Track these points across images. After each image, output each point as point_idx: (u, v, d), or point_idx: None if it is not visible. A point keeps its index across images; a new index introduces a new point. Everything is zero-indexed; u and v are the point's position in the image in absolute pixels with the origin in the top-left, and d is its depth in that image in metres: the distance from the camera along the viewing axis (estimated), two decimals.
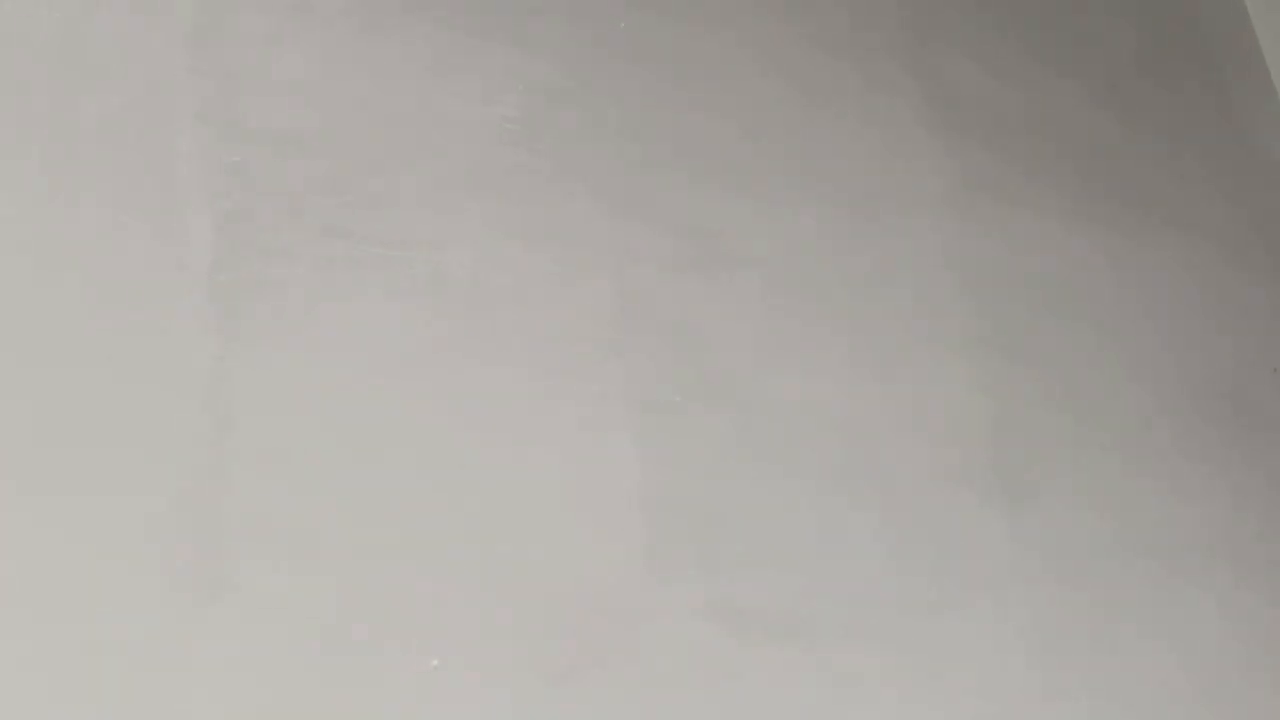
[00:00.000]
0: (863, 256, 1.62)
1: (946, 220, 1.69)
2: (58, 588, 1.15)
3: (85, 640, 1.13)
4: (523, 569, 1.31)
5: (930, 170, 1.72)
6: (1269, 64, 2.06)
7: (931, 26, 1.84)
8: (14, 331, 1.19)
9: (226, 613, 1.18)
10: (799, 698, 1.37)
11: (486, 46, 1.53)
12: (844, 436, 1.51)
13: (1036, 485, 1.59)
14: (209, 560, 1.20)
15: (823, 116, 1.69)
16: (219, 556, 1.20)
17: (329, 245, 1.35)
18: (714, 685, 1.34)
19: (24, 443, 1.16)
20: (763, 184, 1.61)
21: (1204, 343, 1.79)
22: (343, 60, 1.43)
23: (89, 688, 1.13)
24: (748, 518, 1.43)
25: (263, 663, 1.19)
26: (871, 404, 1.54)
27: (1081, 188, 1.81)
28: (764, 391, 1.50)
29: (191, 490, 1.21)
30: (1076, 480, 1.61)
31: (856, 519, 1.47)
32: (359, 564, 1.25)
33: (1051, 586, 1.53)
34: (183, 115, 1.33)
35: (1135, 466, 1.66)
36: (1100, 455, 1.64)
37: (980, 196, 1.73)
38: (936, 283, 1.65)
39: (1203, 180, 1.91)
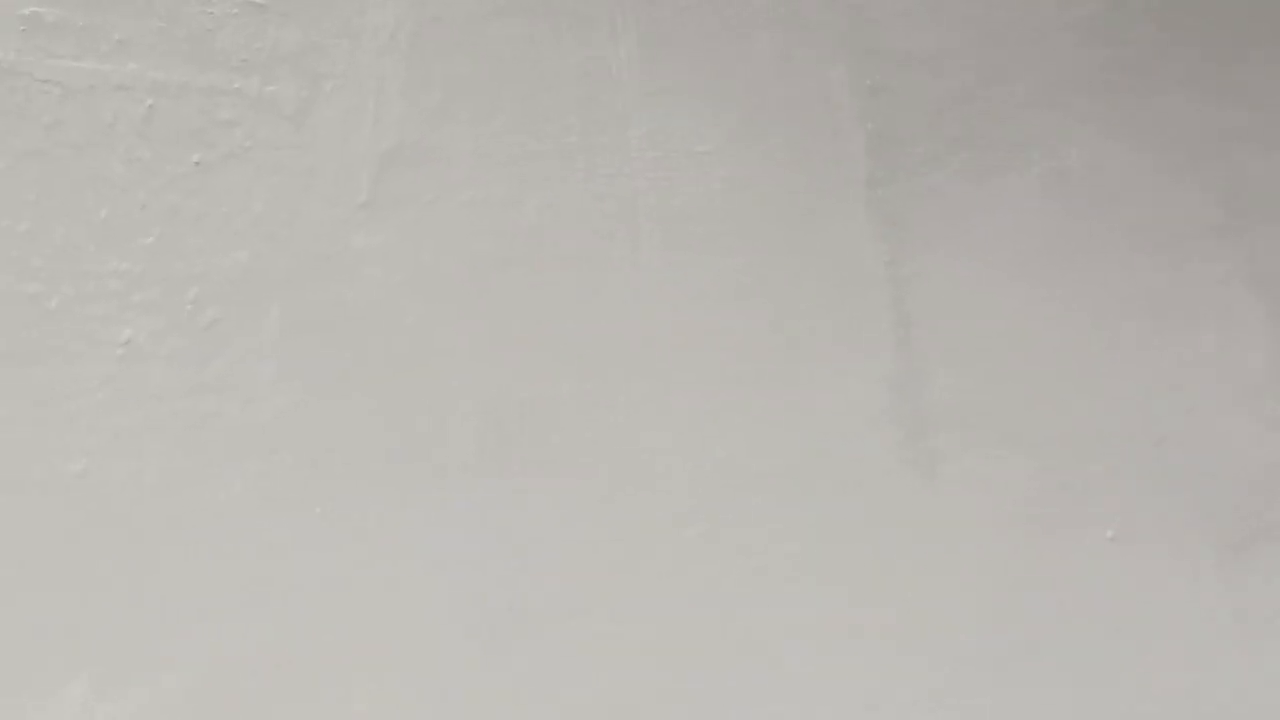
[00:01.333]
0: None
1: None
2: (796, 472, 1.31)
3: (821, 515, 1.29)
4: (1188, 448, 1.42)
5: None
6: None
7: None
8: (733, 241, 1.32)
9: (939, 490, 1.32)
10: None
11: None
12: None
13: None
14: (919, 445, 1.35)
15: None
16: (927, 442, 1.35)
17: (962, 154, 1.47)
18: None
19: (762, 347, 1.30)
20: None
21: None
22: None
23: (826, 557, 1.30)
24: None
25: (972, 534, 1.33)
26: None
27: None
28: None
29: (893, 383, 1.35)
30: None
31: None
32: (1045, 446, 1.37)
33: None
34: (826, 46, 1.47)
35: None
36: None
37: None
38: None
39: None
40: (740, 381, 1.30)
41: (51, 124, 1.05)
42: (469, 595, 1.11)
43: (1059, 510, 1.38)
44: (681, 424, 1.26)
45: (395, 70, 1.21)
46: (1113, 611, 1.41)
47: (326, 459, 1.08)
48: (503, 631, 1.13)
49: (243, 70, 1.13)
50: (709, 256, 1.32)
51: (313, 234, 1.11)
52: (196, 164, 1.09)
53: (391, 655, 1.07)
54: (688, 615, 1.23)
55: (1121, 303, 1.50)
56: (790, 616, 1.28)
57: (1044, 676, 1.38)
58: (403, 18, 1.23)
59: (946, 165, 1.47)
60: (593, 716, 1.15)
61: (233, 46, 1.14)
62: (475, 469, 1.14)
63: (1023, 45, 1.55)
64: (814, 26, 1.45)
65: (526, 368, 1.19)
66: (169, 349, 1.04)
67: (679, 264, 1.30)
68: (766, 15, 1.42)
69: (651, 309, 1.28)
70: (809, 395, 1.33)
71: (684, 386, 1.27)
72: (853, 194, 1.43)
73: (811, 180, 1.41)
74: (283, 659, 1.03)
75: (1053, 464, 1.39)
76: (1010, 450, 1.39)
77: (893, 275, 1.42)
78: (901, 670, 1.32)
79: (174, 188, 1.07)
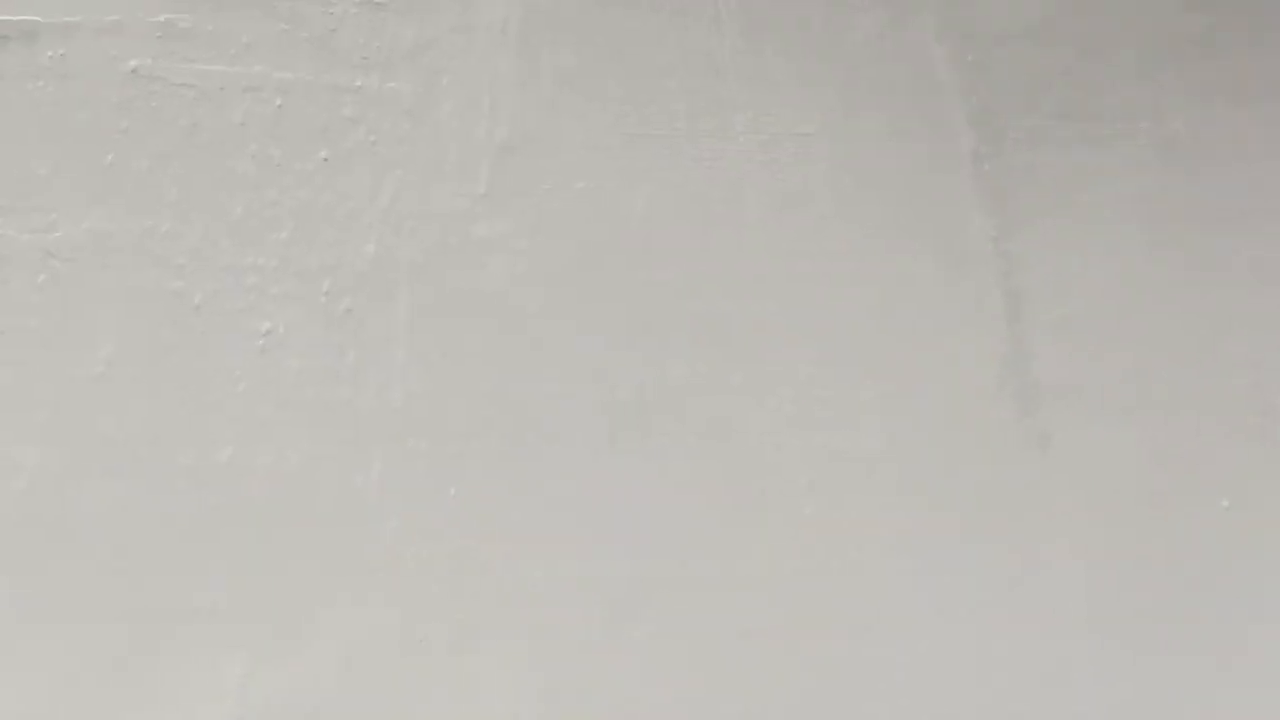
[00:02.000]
0: None
1: None
2: (908, 450, 1.32)
3: (935, 492, 1.29)
4: None
5: None
6: None
7: None
8: (839, 222, 1.33)
9: (1052, 465, 1.33)
10: None
11: None
12: None
13: None
14: (1031, 420, 1.35)
15: None
16: (1039, 416, 1.36)
17: (1067, 127, 1.47)
18: None
19: (871, 326, 1.30)
20: None
21: None
22: None
23: (940, 535, 1.31)
24: None
25: (1086, 507, 1.33)
26: None
27: None
28: None
29: (1003, 358, 1.36)
30: None
31: None
32: (1157, 417, 1.37)
33: None
34: (926, 25, 1.48)
35: None
36: None
37: None
38: None
39: None
40: (850, 361, 1.32)
41: (188, 126, 1.09)
42: (592, 573, 1.14)
43: (1173, 481, 1.38)
44: (794, 405, 1.28)
45: (507, 63, 1.24)
46: (1229, 581, 1.41)
47: (457, 443, 1.12)
48: (624, 609, 1.16)
49: (363, 68, 1.17)
50: (816, 238, 1.34)
51: (436, 224, 1.15)
52: (324, 160, 1.12)
53: (519, 631, 1.10)
54: (802, 592, 1.24)
55: (1230, 271, 1.49)
56: (904, 593, 1.29)
57: (1160, 647, 1.37)
58: (512, 12, 1.26)
59: (1051, 138, 1.48)
60: (711, 693, 1.18)
61: (352, 45, 1.17)
62: (596, 451, 1.17)
63: (1124, 14, 1.55)
64: (913, 6, 1.46)
65: (641, 352, 1.21)
66: (306, 339, 1.08)
67: (787, 246, 1.31)
68: None
69: (761, 292, 1.30)
70: (920, 373, 1.34)
71: (796, 368, 1.29)
72: (958, 170, 1.43)
73: (916, 158, 1.42)
74: (419, 634, 1.07)
75: (1165, 435, 1.40)
76: (1122, 422, 1.39)
77: (1000, 250, 1.42)
78: (1017, 644, 1.32)
79: (304, 184, 1.12)
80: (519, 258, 1.17)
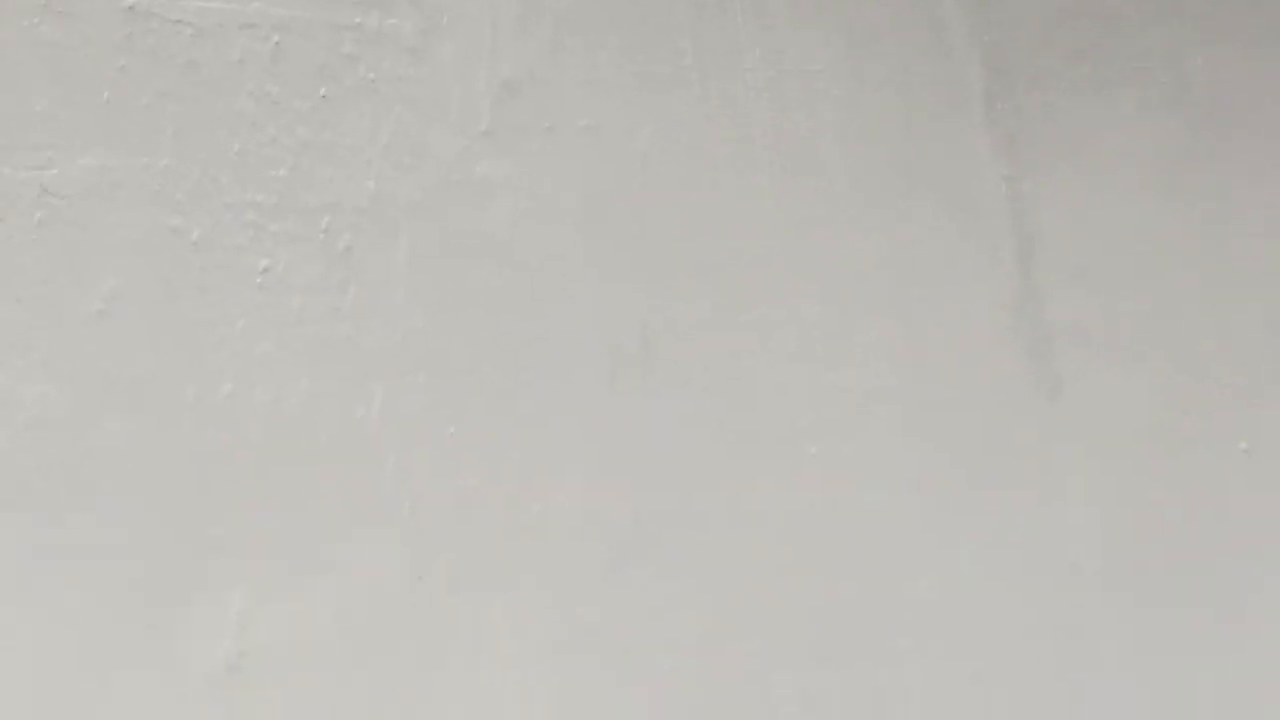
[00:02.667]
0: None
1: None
2: (917, 393, 1.30)
3: (944, 436, 1.29)
4: None
5: None
6: None
7: None
8: (849, 162, 1.31)
9: (1065, 410, 1.32)
10: None
11: None
12: None
13: None
14: (1043, 365, 1.34)
15: None
16: (1051, 361, 1.35)
17: (1081, 67, 1.45)
18: None
19: (880, 267, 1.29)
20: None
21: None
22: None
23: (949, 479, 1.29)
24: None
25: (1101, 452, 1.32)
26: None
27: None
28: None
29: (1015, 302, 1.35)
30: None
31: None
32: (1172, 362, 1.36)
33: None
34: None
35: None
36: None
37: None
38: None
39: None
40: (859, 303, 1.30)
41: (185, 64, 1.08)
42: (595, 510, 1.14)
43: (1189, 425, 1.37)
44: (800, 345, 1.27)
45: (508, 1, 1.23)
46: (1247, 524, 1.39)
47: (457, 381, 1.11)
48: (625, 548, 1.15)
49: (363, 5, 1.15)
50: (825, 178, 1.32)
51: (437, 163, 1.14)
52: (323, 97, 1.11)
53: (521, 568, 1.10)
54: (806, 533, 1.24)
55: (1246, 215, 1.47)
56: (910, 536, 1.28)
57: (1177, 592, 1.36)
58: None
59: (1064, 79, 1.45)
60: (713, 628, 1.18)
61: None
62: (598, 388, 1.16)
63: None
64: None
65: (645, 291, 1.20)
66: (305, 277, 1.07)
67: (793, 185, 1.30)
68: None
69: (766, 232, 1.29)
70: (928, 316, 1.33)
71: (801, 309, 1.27)
72: (969, 111, 1.41)
73: (927, 98, 1.40)
74: (419, 571, 1.06)
75: (1181, 379, 1.38)
76: (1137, 367, 1.37)
77: (1012, 193, 1.40)
78: (1028, 590, 1.32)
79: (303, 121, 1.10)
80: (521, 196, 1.16)
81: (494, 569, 1.09)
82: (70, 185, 1.02)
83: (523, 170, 1.17)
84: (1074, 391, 1.35)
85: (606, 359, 1.16)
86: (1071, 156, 1.40)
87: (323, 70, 1.12)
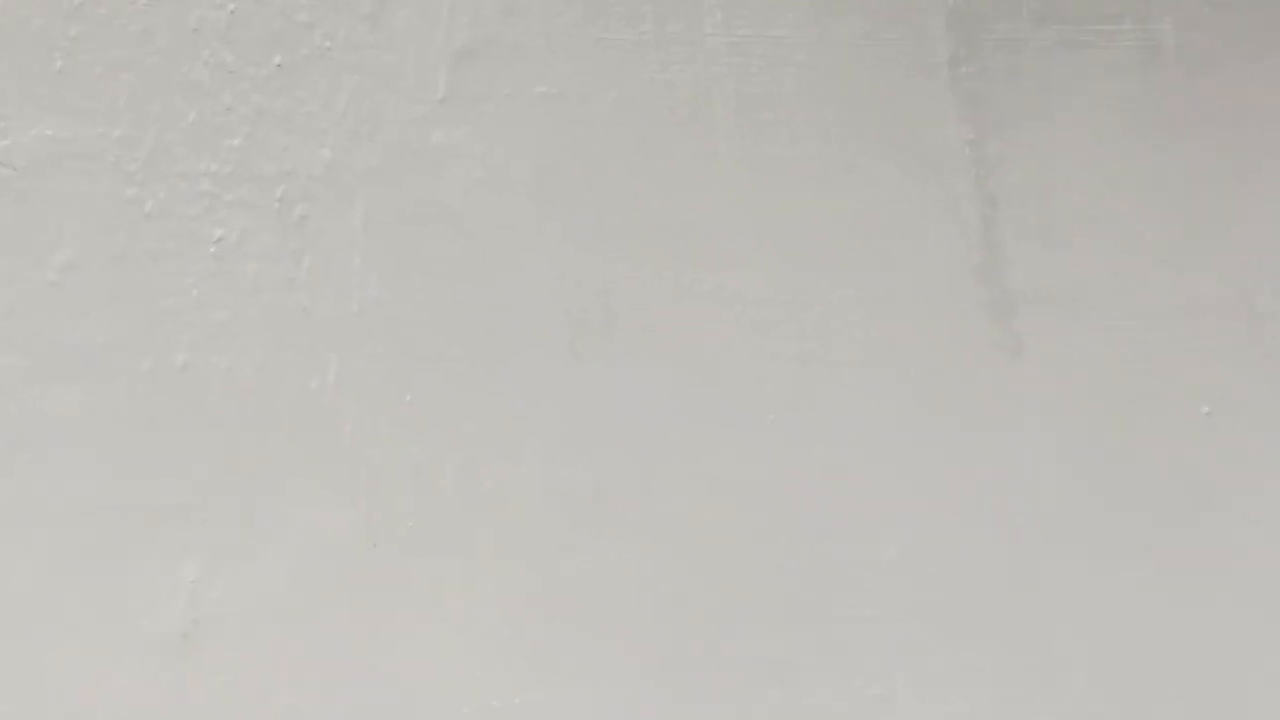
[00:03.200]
0: None
1: None
2: (878, 357, 1.31)
3: (905, 399, 1.28)
4: None
5: None
6: None
7: None
8: (811, 126, 1.30)
9: (1026, 370, 1.31)
10: None
11: None
12: None
13: None
14: (1005, 326, 1.35)
15: None
16: (1013, 321, 1.35)
17: (1047, 29, 1.44)
18: None
19: (842, 231, 1.28)
20: None
21: None
22: None
23: (911, 441, 1.29)
24: None
25: (1061, 413, 1.31)
26: None
27: None
28: None
29: (977, 263, 1.34)
30: None
31: None
32: (1135, 322, 1.35)
33: None
34: None
35: None
36: None
37: None
38: None
39: None
40: (820, 266, 1.30)
41: (139, 32, 1.07)
42: (554, 479, 1.15)
43: (1152, 387, 1.37)
44: (760, 311, 1.27)
45: None
46: (1208, 487, 1.40)
47: (414, 349, 1.11)
48: (584, 515, 1.16)
49: None
50: (786, 142, 1.32)
51: (394, 130, 1.14)
52: (278, 66, 1.11)
53: (478, 536, 1.11)
54: (769, 499, 1.24)
55: (1212, 176, 1.46)
56: (873, 500, 1.29)
57: (1137, 554, 1.37)
58: None
59: (1031, 42, 1.44)
60: (672, 599, 1.18)
61: None
62: (557, 356, 1.16)
63: None
64: None
65: (604, 257, 1.20)
66: (260, 246, 1.07)
67: (755, 151, 1.29)
68: None
69: (728, 198, 1.29)
70: (891, 279, 1.33)
71: (763, 273, 1.27)
72: (933, 74, 1.40)
73: (890, 61, 1.39)
74: (375, 539, 1.07)
75: (1143, 342, 1.38)
76: (1099, 327, 1.37)
77: (976, 155, 1.39)
78: (989, 551, 1.32)
79: (258, 90, 1.10)
80: (478, 164, 1.16)
81: (451, 538, 1.10)
82: (23, 155, 1.02)
83: (480, 138, 1.17)
84: (1035, 352, 1.34)
85: (566, 327, 1.17)
86: (1036, 119, 1.39)
87: (278, 38, 1.12)
